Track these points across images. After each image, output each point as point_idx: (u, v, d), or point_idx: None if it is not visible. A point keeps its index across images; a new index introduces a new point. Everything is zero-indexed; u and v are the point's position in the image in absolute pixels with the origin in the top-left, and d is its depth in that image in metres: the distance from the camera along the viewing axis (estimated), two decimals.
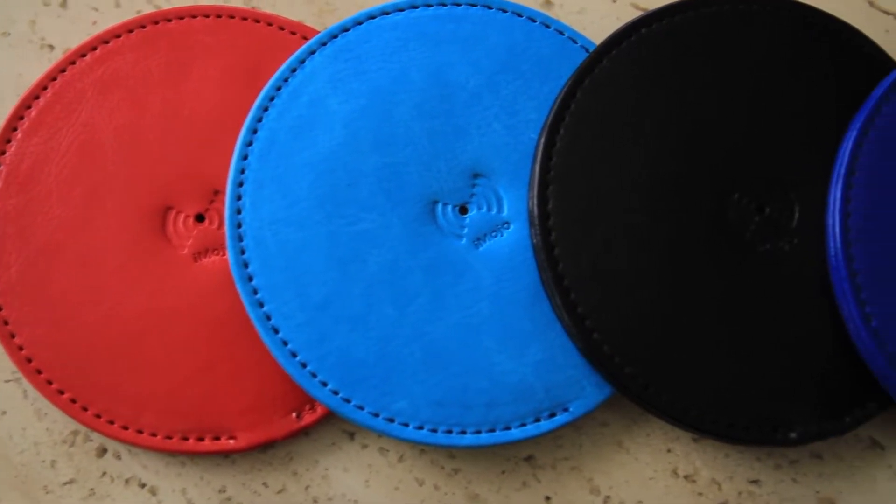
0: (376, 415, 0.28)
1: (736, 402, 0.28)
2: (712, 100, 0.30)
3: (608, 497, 0.29)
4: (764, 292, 0.29)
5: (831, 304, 0.29)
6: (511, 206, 0.29)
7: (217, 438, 0.28)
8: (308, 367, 0.28)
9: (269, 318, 0.28)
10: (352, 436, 0.29)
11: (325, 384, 0.28)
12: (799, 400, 0.29)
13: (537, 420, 0.28)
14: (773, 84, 0.30)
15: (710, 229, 0.29)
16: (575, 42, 0.31)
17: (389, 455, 0.29)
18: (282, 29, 0.31)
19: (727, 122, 0.30)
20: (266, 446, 0.29)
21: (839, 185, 0.29)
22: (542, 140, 0.29)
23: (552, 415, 0.28)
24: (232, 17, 0.31)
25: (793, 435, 0.28)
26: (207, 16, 0.31)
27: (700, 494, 0.29)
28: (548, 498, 0.29)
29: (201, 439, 0.28)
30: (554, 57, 0.30)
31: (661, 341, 0.28)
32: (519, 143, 0.30)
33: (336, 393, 0.28)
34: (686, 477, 0.29)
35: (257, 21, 0.31)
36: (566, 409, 0.29)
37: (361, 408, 0.28)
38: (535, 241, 0.29)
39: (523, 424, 0.28)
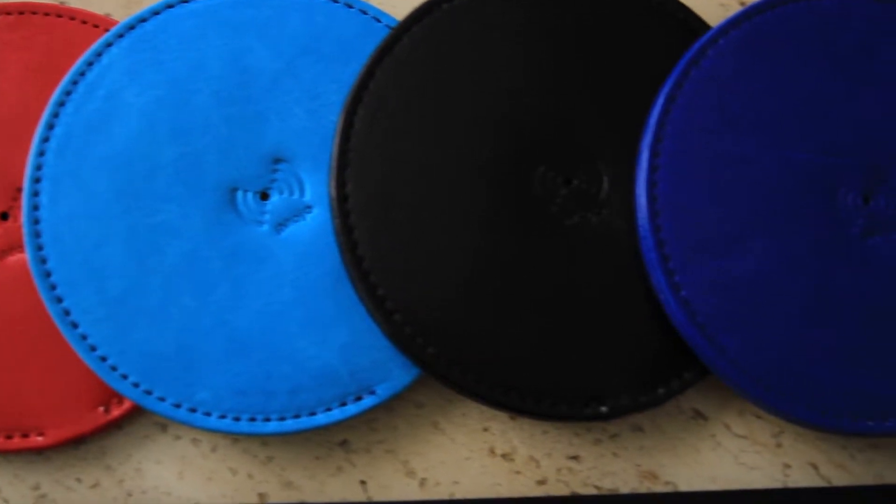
0: (178, 405, 0.28)
1: (544, 378, 0.28)
2: (517, 73, 0.30)
3: (424, 479, 0.29)
4: (573, 266, 0.29)
5: (642, 275, 0.29)
6: (313, 191, 0.30)
7: (26, 436, 0.29)
8: (108, 361, 0.28)
9: (68, 314, 0.28)
10: (164, 428, 0.30)
11: (125, 377, 0.28)
12: (609, 373, 0.29)
13: (343, 404, 0.29)
14: (581, 54, 0.30)
15: (515, 204, 0.29)
16: (379, 21, 0.31)
17: (202, 445, 0.29)
18: (84, 23, 0.31)
19: (532, 95, 0.30)
20: (78, 441, 0.29)
21: (645, 154, 0.29)
22: (340, 122, 0.29)
23: (358, 398, 0.29)
24: (35, 12, 0.31)
25: (604, 409, 0.29)
26: (10, 13, 0.31)
27: (518, 473, 0.29)
28: (363, 482, 0.29)
29: (10, 437, 0.29)
30: (357, 37, 0.30)
31: (465, 320, 0.28)
32: (320, 127, 0.30)
33: (137, 385, 0.28)
34: (503, 455, 0.30)
35: (60, 16, 0.31)
36: (373, 392, 0.29)
37: (163, 399, 0.28)
38: (334, 223, 0.29)
39: (329, 409, 0.29)
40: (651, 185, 0.29)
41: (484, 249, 0.29)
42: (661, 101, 0.30)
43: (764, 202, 0.29)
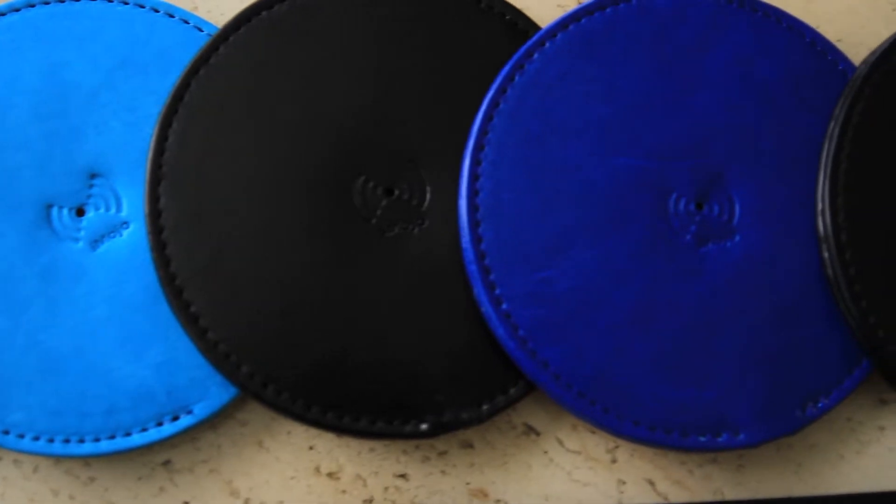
0: None
1: (362, 395, 0.28)
2: (338, 81, 0.30)
3: (248, 499, 0.29)
4: (393, 280, 0.29)
5: (466, 288, 0.29)
6: (130, 206, 0.30)
7: None
8: None
9: None
10: None
11: None
12: (431, 390, 0.29)
13: (160, 424, 0.29)
14: (406, 60, 0.30)
15: (334, 217, 0.29)
16: (201, 30, 0.31)
17: (24, 466, 0.30)
18: None
19: (354, 104, 0.30)
20: None
21: (467, 163, 0.29)
22: (155, 135, 0.29)
23: (175, 418, 0.29)
24: None
25: (424, 426, 0.28)
26: None
27: (344, 492, 0.29)
28: (186, 503, 0.29)
29: None
30: (177, 47, 0.30)
31: (280, 338, 0.28)
32: (138, 140, 0.30)
33: None
34: (329, 475, 0.29)
35: None
36: (190, 412, 0.29)
37: None
38: (148, 239, 0.29)
39: (145, 430, 0.28)
40: (472, 194, 0.29)
41: (300, 265, 0.29)
42: (483, 107, 0.29)
43: (589, 210, 0.29)
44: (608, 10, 0.30)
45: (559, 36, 0.30)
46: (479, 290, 0.29)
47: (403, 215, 0.30)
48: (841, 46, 0.33)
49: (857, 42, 0.33)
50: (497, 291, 0.29)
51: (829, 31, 0.33)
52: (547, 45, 0.30)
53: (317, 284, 0.29)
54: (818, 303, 0.30)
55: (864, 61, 0.31)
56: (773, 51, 0.31)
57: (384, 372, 0.29)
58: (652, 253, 0.29)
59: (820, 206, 0.30)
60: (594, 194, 0.29)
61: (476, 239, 0.29)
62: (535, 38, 0.30)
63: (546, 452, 0.30)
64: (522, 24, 0.31)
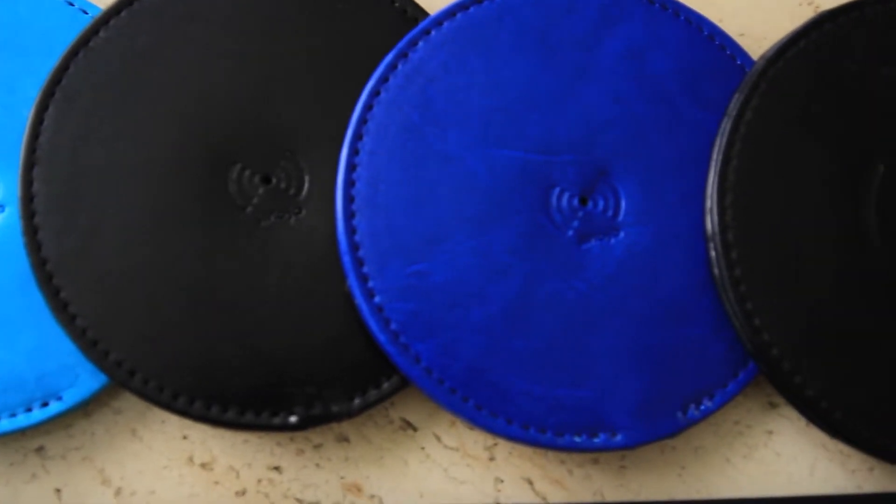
0: None
1: (231, 386, 0.28)
2: (217, 66, 0.30)
3: (120, 488, 0.29)
4: (267, 270, 0.29)
5: (340, 280, 0.29)
6: (6, 190, 0.30)
7: None
8: None
9: None
10: None
11: None
12: (301, 382, 0.28)
13: (29, 410, 0.29)
14: (289, 47, 0.30)
15: (208, 205, 0.29)
16: (86, 13, 0.31)
17: None
18: None
19: (233, 91, 0.30)
20: None
21: (345, 152, 0.29)
22: (31, 118, 0.29)
23: (45, 404, 0.29)
24: None
25: (293, 419, 0.28)
26: None
27: (217, 483, 0.29)
28: (58, 490, 0.29)
29: None
30: (61, 29, 0.30)
31: (149, 326, 0.28)
32: (17, 123, 0.30)
33: None
34: (203, 465, 0.29)
35: None
36: (59, 398, 0.29)
37: None
38: (21, 224, 0.29)
39: (14, 415, 0.29)
40: (348, 184, 0.29)
41: (171, 253, 0.29)
42: (363, 96, 0.29)
43: (467, 203, 0.29)
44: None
45: (445, 24, 0.30)
46: (352, 283, 0.29)
47: (279, 204, 0.29)
48: (744, 41, 0.32)
49: (760, 36, 0.33)
50: (370, 284, 0.29)
51: (733, 25, 0.33)
52: (433, 33, 0.30)
53: (188, 273, 0.29)
54: (704, 303, 0.30)
55: (762, 56, 0.31)
56: (668, 44, 0.31)
57: (255, 363, 0.29)
58: (531, 248, 0.29)
59: (708, 203, 0.30)
60: (473, 187, 0.29)
61: (350, 230, 0.29)
62: (420, 26, 0.30)
63: (423, 448, 0.30)
64: (411, 12, 0.31)
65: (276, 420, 0.29)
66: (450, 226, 0.29)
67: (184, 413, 0.28)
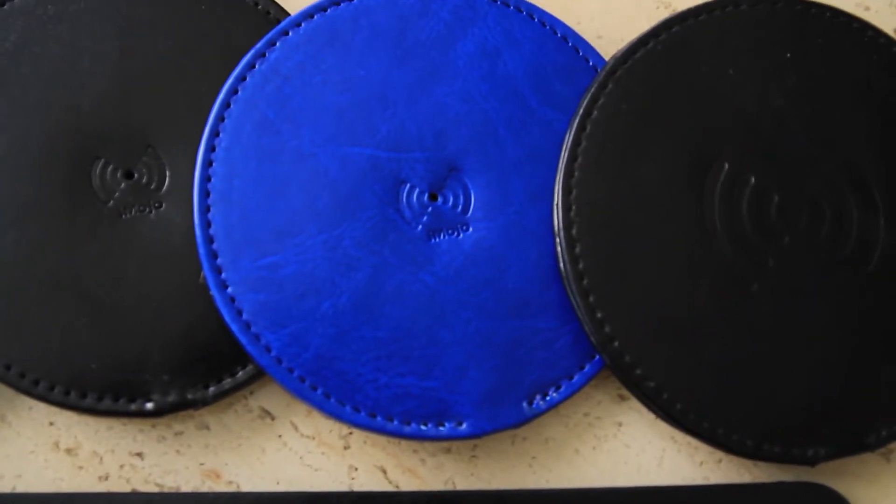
0: None
1: (90, 373, 0.30)
2: (84, 67, 0.32)
3: None
4: (128, 261, 0.31)
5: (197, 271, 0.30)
6: None
7: None
8: None
9: None
10: None
11: None
12: (157, 370, 0.30)
13: None
14: (152, 46, 0.32)
15: (70, 200, 0.31)
16: None
17: None
18: None
19: (97, 88, 0.32)
20: None
21: (202, 148, 0.31)
22: None
23: None
24: None
25: (149, 405, 0.30)
26: None
27: (81, 468, 0.31)
28: None
29: None
30: None
31: (9, 313, 0.30)
32: None
33: None
34: (68, 450, 0.31)
35: None
36: None
37: None
38: None
39: None
40: (204, 179, 0.31)
41: (34, 243, 0.31)
42: (221, 94, 0.31)
43: (319, 197, 0.31)
44: (355, 0, 0.32)
45: (303, 25, 0.32)
46: (206, 274, 0.30)
47: (141, 199, 0.31)
48: (601, 43, 0.34)
49: (617, 38, 0.34)
50: (223, 275, 0.30)
51: (590, 28, 0.34)
52: (290, 34, 0.32)
53: (49, 263, 0.30)
54: (551, 297, 0.31)
55: (612, 57, 0.32)
56: (521, 45, 0.32)
57: (113, 351, 0.30)
58: (381, 241, 0.31)
59: (555, 199, 0.31)
60: (325, 182, 0.31)
61: (205, 223, 0.30)
62: (278, 27, 0.32)
63: (280, 436, 0.31)
64: (274, 14, 0.32)
65: (133, 406, 0.30)
66: (301, 220, 0.31)
67: (44, 398, 0.30)
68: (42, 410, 0.32)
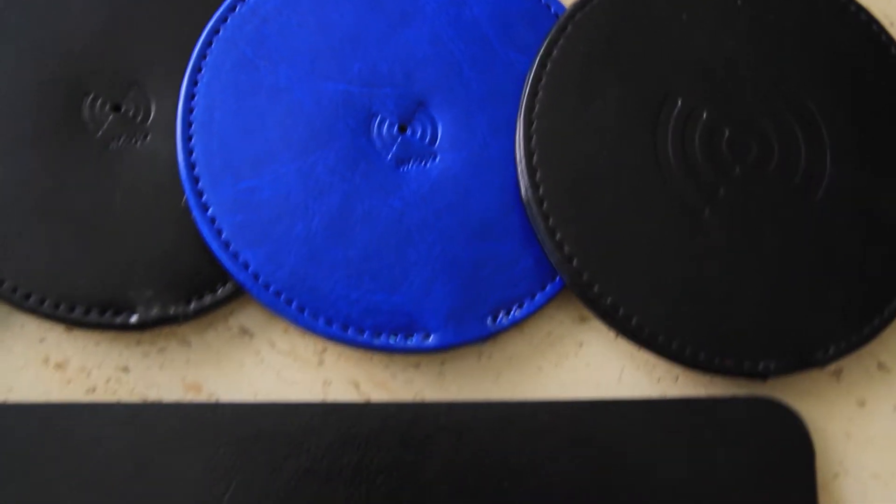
0: None
1: (78, 288, 0.32)
2: (73, 8, 0.34)
3: None
4: (116, 187, 0.33)
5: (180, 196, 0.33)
6: None
7: None
8: None
9: None
10: None
11: None
12: (142, 286, 0.32)
13: None
14: None
15: (61, 132, 0.34)
16: None
17: None
18: None
19: (88, 29, 0.34)
20: None
21: (185, 83, 0.33)
22: None
23: None
24: None
25: (134, 319, 0.32)
26: None
27: (69, 382, 0.33)
28: None
29: None
30: None
31: (4, 233, 0.32)
32: None
33: None
34: (57, 365, 0.33)
35: None
36: None
37: None
38: None
39: None
40: (187, 111, 0.33)
41: (26, 170, 0.33)
42: (204, 33, 0.34)
43: (294, 129, 0.33)
44: None
45: None
46: (189, 196, 0.32)
47: (128, 130, 0.34)
48: None
49: None
50: (204, 198, 0.33)
51: None
52: None
53: (41, 188, 0.33)
54: (513, 221, 0.34)
55: (573, 2, 0.35)
56: None
57: (100, 268, 0.33)
58: (352, 169, 0.33)
59: (518, 130, 0.33)
60: (300, 115, 0.33)
61: (187, 150, 0.33)
62: None
63: (258, 353, 0.34)
64: None
65: (119, 319, 0.33)
66: (277, 148, 0.33)
67: (34, 311, 0.32)
68: (33, 329, 0.34)
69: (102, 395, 0.34)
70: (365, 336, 0.33)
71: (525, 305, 0.34)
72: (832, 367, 0.35)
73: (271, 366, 0.34)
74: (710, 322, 0.33)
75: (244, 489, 0.32)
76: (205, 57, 0.34)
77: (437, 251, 0.33)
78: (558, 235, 0.33)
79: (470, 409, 0.33)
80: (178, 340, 0.34)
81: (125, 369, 0.34)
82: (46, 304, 0.33)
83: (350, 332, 0.33)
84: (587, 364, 0.35)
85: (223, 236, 0.33)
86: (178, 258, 0.33)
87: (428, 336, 0.33)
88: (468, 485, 0.32)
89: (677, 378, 0.35)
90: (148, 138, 0.34)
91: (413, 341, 0.33)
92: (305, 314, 0.33)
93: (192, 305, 0.33)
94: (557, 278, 0.34)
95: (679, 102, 0.34)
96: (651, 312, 0.33)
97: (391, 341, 0.33)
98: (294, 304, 0.33)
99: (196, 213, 0.33)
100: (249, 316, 0.35)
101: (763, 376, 0.33)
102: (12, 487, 0.32)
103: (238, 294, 0.34)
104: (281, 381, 0.34)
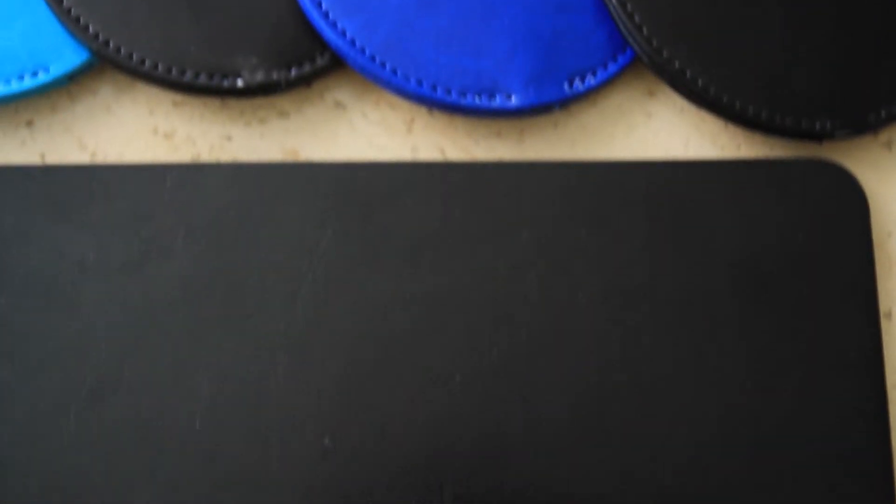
0: None
1: (188, 54, 0.35)
2: None
3: (94, 152, 0.36)
4: None
5: None
6: None
7: None
8: None
9: None
10: None
11: None
12: (247, 53, 0.35)
13: (21, 78, 0.35)
14: None
15: None
16: None
17: None
18: None
19: None
20: None
21: None
22: None
23: (34, 74, 0.35)
24: None
25: (240, 82, 0.35)
26: None
27: (177, 149, 0.35)
28: (42, 154, 0.35)
29: None
30: None
31: (122, 5, 0.35)
32: None
33: None
34: (165, 135, 0.36)
35: None
36: (46, 70, 0.35)
37: None
38: None
39: (8, 83, 0.35)
40: None
41: None
42: None
43: None
44: None
45: None
46: None
47: None
48: None
49: None
50: None
51: None
52: None
53: None
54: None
55: None
56: None
57: (208, 37, 0.35)
58: None
59: None
60: None
61: None
62: None
63: (351, 122, 0.36)
64: None
65: (226, 83, 0.35)
66: None
67: (148, 76, 0.35)
68: (143, 103, 0.37)
69: (207, 161, 0.37)
70: (452, 96, 0.35)
71: (598, 73, 0.36)
72: (884, 137, 0.37)
73: (364, 134, 0.37)
74: (772, 83, 0.36)
75: (341, 235, 0.35)
76: None
77: (518, 23, 0.36)
78: (629, 6, 0.36)
79: (548, 168, 0.36)
80: (277, 112, 0.37)
81: (228, 138, 0.37)
82: (160, 68, 0.36)
83: (439, 91, 0.35)
84: (655, 134, 0.37)
85: (323, 7, 0.36)
86: (281, 29, 0.36)
87: (510, 97, 0.36)
88: (549, 236, 0.35)
89: (739, 146, 0.37)
90: None
91: (497, 101, 0.36)
92: (398, 76, 0.35)
93: (294, 71, 0.36)
94: (628, 50, 0.37)
95: None
96: (716, 74, 0.36)
97: (476, 101, 0.36)
98: (388, 67, 0.35)
99: None
100: (343, 90, 0.37)
101: (819, 137, 0.36)
102: (121, 243, 0.35)
103: (334, 66, 0.37)
104: (372, 146, 0.37)
